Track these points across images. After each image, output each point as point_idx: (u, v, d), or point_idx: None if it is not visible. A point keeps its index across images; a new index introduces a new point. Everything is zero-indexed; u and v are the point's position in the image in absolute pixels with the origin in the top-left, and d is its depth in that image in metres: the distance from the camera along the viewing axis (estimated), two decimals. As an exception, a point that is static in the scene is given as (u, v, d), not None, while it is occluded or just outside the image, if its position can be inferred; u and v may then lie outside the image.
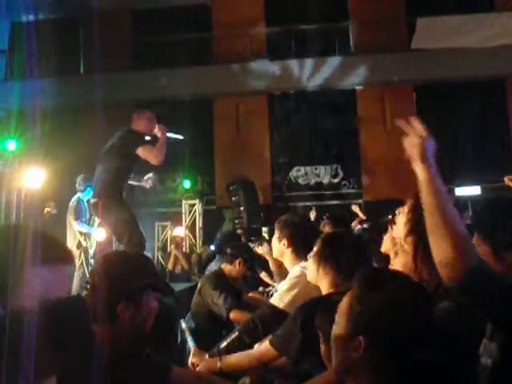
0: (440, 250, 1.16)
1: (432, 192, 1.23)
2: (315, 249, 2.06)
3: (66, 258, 0.88)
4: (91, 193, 5.56)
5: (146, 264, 1.60)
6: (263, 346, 2.04)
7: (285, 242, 2.56)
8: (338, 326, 1.13)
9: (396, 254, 1.73)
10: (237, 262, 3.43)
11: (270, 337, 2.01)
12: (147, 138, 4.03)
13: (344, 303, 1.13)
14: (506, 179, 3.87)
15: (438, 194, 1.22)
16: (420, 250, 1.61)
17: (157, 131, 4.06)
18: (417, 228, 1.63)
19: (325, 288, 1.99)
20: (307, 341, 1.76)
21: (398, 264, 1.68)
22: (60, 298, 0.76)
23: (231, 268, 3.45)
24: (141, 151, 3.91)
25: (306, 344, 1.77)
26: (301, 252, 2.51)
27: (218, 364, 2.04)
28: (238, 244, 3.70)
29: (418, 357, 1.03)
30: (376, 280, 1.12)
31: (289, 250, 2.55)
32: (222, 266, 3.49)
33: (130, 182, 4.49)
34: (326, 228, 5.32)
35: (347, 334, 1.09)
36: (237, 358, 2.07)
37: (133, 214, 4.05)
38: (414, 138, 1.32)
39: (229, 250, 3.53)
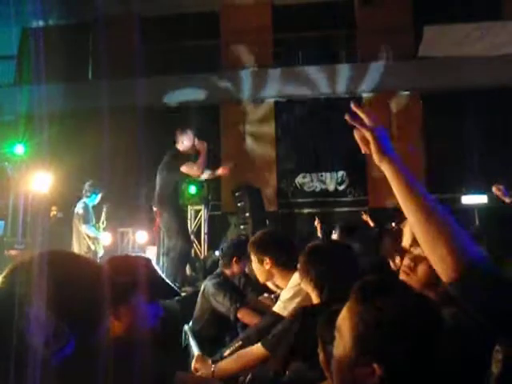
0: (432, 250, 1.01)
1: (404, 188, 1.05)
2: (299, 263, 2.05)
3: None
4: (97, 199, 5.82)
5: (141, 266, 1.54)
6: (255, 347, 2.03)
7: (267, 261, 2.43)
8: (340, 348, 0.98)
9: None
10: (233, 261, 3.45)
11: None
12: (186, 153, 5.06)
13: (344, 321, 0.99)
14: (493, 188, 3.83)
15: (412, 189, 1.04)
16: None
17: (197, 145, 4.99)
18: None
19: (314, 299, 1.98)
20: (298, 347, 1.76)
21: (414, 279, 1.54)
22: None
23: (230, 270, 3.48)
24: (184, 168, 4.85)
25: (297, 349, 1.78)
26: (289, 263, 2.39)
27: (212, 368, 2.05)
28: (225, 247, 3.66)
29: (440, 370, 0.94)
30: (375, 292, 0.98)
31: (275, 269, 2.43)
32: (221, 269, 3.51)
33: None
34: (335, 237, 5.33)
35: (355, 358, 0.94)
36: (228, 361, 2.08)
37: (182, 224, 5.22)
38: (365, 132, 1.14)
39: (220, 259, 3.53)
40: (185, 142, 4.99)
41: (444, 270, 1.00)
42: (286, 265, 2.42)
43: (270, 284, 4.97)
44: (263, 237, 2.54)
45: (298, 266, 2.04)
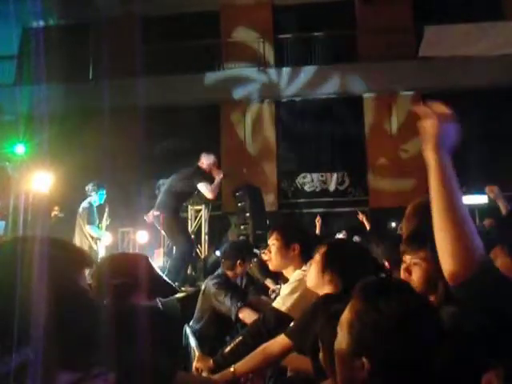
0: (448, 245, 1.07)
1: (440, 186, 1.10)
2: (318, 255, 2.03)
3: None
4: (103, 198, 5.86)
5: (140, 264, 1.55)
6: (278, 338, 2.00)
7: (297, 247, 2.46)
8: (340, 342, 1.05)
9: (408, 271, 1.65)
10: (237, 264, 3.45)
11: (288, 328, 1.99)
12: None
13: (345, 317, 1.05)
14: (486, 189, 3.74)
15: (447, 189, 1.10)
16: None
17: (214, 171, 5.31)
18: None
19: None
20: (323, 335, 1.75)
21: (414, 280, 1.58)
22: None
23: (233, 272, 3.48)
24: (201, 185, 5.12)
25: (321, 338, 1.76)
26: (310, 254, 2.42)
27: (232, 369, 1.99)
28: (228, 249, 3.66)
29: (425, 372, 0.96)
30: (377, 293, 1.03)
31: (298, 257, 2.47)
32: (223, 269, 3.51)
33: None
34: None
35: (350, 352, 1.01)
36: (249, 357, 2.01)
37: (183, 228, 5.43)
38: (430, 120, 1.15)
39: (223, 261, 3.53)
40: (204, 164, 5.34)
41: (456, 266, 1.06)
42: (308, 255, 2.43)
43: (269, 283, 4.99)
44: (293, 224, 2.59)
45: (319, 256, 2.01)
